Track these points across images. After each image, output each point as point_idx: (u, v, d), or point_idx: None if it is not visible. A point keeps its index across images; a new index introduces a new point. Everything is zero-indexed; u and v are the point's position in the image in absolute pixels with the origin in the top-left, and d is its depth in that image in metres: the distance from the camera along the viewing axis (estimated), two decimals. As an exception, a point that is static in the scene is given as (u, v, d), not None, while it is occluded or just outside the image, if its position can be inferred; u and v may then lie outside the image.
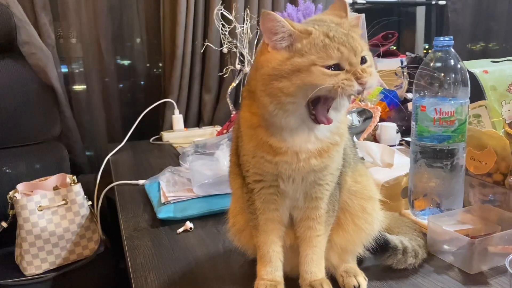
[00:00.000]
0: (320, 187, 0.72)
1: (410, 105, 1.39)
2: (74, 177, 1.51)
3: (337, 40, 0.62)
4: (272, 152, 0.68)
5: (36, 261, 1.40)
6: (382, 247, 0.80)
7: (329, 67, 0.62)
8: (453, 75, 0.93)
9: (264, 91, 0.66)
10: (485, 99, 1.02)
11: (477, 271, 0.80)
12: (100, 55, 2.04)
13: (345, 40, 0.63)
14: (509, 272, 0.63)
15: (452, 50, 0.93)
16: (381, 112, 1.38)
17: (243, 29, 1.74)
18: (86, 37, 2.01)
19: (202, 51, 2.00)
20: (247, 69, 1.81)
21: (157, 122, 2.14)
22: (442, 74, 0.93)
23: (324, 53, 0.62)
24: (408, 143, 1.19)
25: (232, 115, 1.91)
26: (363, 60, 0.64)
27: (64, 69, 2.01)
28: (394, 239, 0.82)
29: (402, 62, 1.54)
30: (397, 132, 1.33)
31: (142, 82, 2.26)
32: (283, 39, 0.64)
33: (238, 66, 1.83)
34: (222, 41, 1.81)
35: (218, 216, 1.07)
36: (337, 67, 0.62)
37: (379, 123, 1.35)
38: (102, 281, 1.57)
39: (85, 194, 1.49)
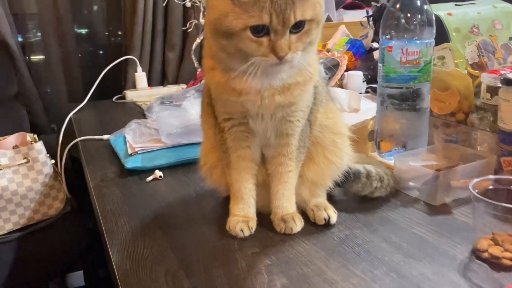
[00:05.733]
0: (291, 124, 0.72)
1: (375, 54, 1.40)
2: (35, 136, 1.45)
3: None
4: (235, 94, 0.67)
5: (-2, 221, 1.36)
6: (346, 177, 0.82)
7: (258, 31, 0.60)
8: (419, 16, 0.93)
9: (213, 39, 0.64)
10: (449, 41, 1.04)
11: (441, 202, 0.84)
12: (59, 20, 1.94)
13: (279, 3, 0.58)
14: (472, 195, 0.66)
15: (418, -9, 0.93)
16: (347, 62, 1.38)
17: (206, -19, 1.69)
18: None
19: (164, 4, 1.93)
20: (211, 23, 1.76)
21: (120, 82, 2.07)
22: (408, 15, 0.93)
23: (253, 12, 0.58)
24: (374, 90, 1.20)
25: (197, 73, 1.88)
26: (297, 27, 0.61)
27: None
28: (357, 165, 0.84)
29: (367, 12, 1.54)
30: (363, 81, 1.34)
31: (103, 44, 2.18)
32: None
33: (202, 21, 1.78)
34: (185, -6, 1.75)
35: (188, 165, 1.06)
36: (267, 30, 0.60)
37: (345, 72, 1.36)
38: (70, 241, 1.55)
39: (48, 154, 1.44)
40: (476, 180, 0.69)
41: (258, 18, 0.58)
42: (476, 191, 0.67)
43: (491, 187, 0.71)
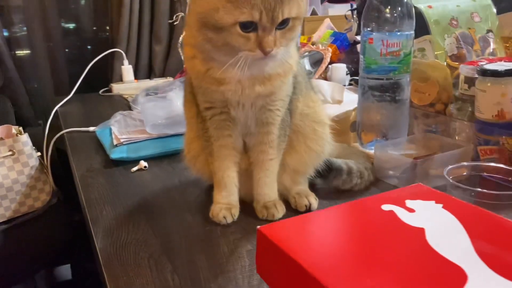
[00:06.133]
0: (271, 113, 0.73)
1: (359, 47, 1.42)
2: (21, 128, 1.45)
3: None
4: (215, 83, 0.69)
5: (-16, 213, 1.35)
6: (328, 170, 0.84)
7: (246, 27, 0.61)
8: (399, 8, 0.95)
9: (198, 30, 0.65)
10: (429, 33, 1.06)
11: (419, 190, 0.86)
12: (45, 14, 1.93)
13: (268, 1, 0.59)
14: (447, 181, 0.68)
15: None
16: (331, 55, 1.40)
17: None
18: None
19: (150, -3, 1.93)
20: (198, 16, 1.76)
21: (106, 75, 2.07)
22: (389, 7, 0.95)
23: (244, 8, 0.59)
24: (357, 82, 1.22)
25: (184, 66, 1.88)
26: (283, 23, 0.62)
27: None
28: (339, 161, 0.86)
29: (352, 6, 1.56)
30: (347, 74, 1.36)
31: (89, 38, 2.17)
32: None
33: (188, 14, 1.78)
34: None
35: (173, 156, 1.07)
36: (255, 26, 0.61)
37: (329, 65, 1.38)
38: (56, 233, 1.55)
39: (34, 146, 1.44)
40: (450, 167, 0.71)
41: (249, 15, 0.60)
42: (451, 177, 0.69)
43: (465, 173, 0.73)
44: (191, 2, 0.66)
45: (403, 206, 0.48)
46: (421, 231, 0.43)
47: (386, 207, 0.48)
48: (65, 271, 1.99)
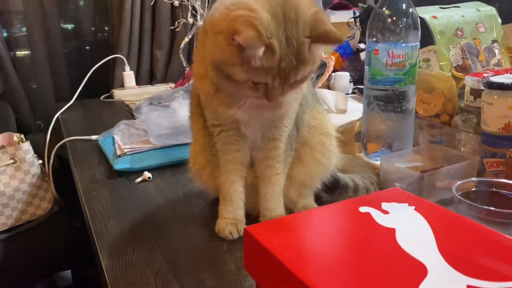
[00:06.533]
0: (278, 129, 0.73)
1: (362, 55, 1.42)
2: (22, 136, 1.44)
3: (281, 58, 0.58)
4: (224, 105, 0.68)
5: (-15, 222, 1.35)
6: (334, 186, 0.83)
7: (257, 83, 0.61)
8: (405, 19, 0.95)
9: (211, 69, 0.64)
10: (434, 44, 1.06)
11: (426, 203, 0.85)
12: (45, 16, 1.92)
13: (284, 68, 0.59)
14: (455, 197, 0.67)
15: (404, -5, 0.95)
16: (334, 63, 1.40)
17: (194, -20, 1.68)
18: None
19: (152, 3, 1.93)
20: (200, 23, 1.76)
21: (108, 81, 2.06)
22: (394, 18, 0.95)
23: (260, 71, 0.59)
24: (360, 91, 1.22)
25: (186, 72, 1.88)
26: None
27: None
28: (346, 177, 0.86)
29: (354, 13, 1.55)
30: (350, 82, 1.36)
31: (89, 41, 2.16)
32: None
33: (190, 20, 1.78)
34: (173, -7, 1.75)
35: (177, 166, 1.06)
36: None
37: (332, 73, 1.37)
38: (58, 241, 1.54)
39: (35, 153, 1.43)
40: (459, 182, 0.71)
41: (263, 78, 0.60)
42: (459, 193, 0.68)
43: (474, 189, 0.73)
44: (209, 30, 0.63)
45: (379, 208, 0.52)
46: (392, 231, 0.47)
47: (363, 209, 0.52)
48: (66, 277, 1.98)
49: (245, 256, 0.51)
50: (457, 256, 0.42)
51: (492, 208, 0.64)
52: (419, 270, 0.40)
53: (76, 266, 1.91)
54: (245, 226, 0.74)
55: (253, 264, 0.50)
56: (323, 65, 1.37)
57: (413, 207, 0.52)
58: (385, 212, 0.51)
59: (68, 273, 1.96)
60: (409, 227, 0.48)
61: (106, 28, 2.11)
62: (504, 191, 0.72)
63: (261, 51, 0.57)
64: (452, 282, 0.38)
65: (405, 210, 0.52)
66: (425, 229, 0.47)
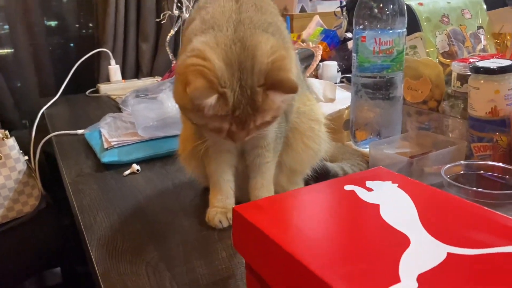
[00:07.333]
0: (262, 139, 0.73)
1: (349, 45, 1.42)
2: (7, 132, 1.42)
3: (235, 106, 0.59)
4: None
5: (-29, 220, 1.33)
6: (324, 176, 0.83)
7: None
8: (391, 6, 0.95)
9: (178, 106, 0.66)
10: (420, 31, 1.06)
11: (415, 188, 0.86)
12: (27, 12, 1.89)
13: (239, 116, 0.60)
14: (444, 180, 0.68)
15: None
16: (322, 52, 1.39)
17: (179, -29, 1.67)
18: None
19: (136, -4, 1.90)
20: (185, 15, 1.74)
21: (93, 75, 2.04)
22: (381, 5, 0.95)
23: (215, 119, 0.61)
24: (348, 79, 1.22)
25: (172, 65, 1.86)
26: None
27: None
28: (335, 166, 0.85)
29: (341, 2, 1.55)
30: (338, 71, 1.36)
31: (74, 37, 2.13)
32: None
33: (176, 12, 1.76)
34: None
35: (165, 158, 1.05)
36: None
37: (320, 63, 1.37)
38: (46, 238, 1.52)
39: (20, 150, 1.41)
40: (447, 166, 0.71)
41: (219, 124, 0.61)
42: (448, 176, 0.69)
43: (462, 172, 0.73)
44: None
45: (363, 186, 0.53)
46: (376, 206, 0.49)
47: (348, 187, 0.53)
48: (55, 274, 1.96)
49: (234, 234, 0.52)
50: (438, 227, 0.44)
51: (481, 190, 0.65)
52: (402, 241, 0.42)
53: (66, 263, 1.89)
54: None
55: (242, 242, 0.51)
56: (311, 56, 1.37)
57: (396, 184, 0.53)
58: (369, 189, 0.53)
59: (57, 270, 1.94)
60: (392, 203, 0.49)
61: (91, 24, 2.08)
62: (491, 173, 0.73)
63: (212, 100, 0.58)
64: (434, 250, 0.40)
65: (389, 187, 0.53)
66: (408, 204, 0.49)
